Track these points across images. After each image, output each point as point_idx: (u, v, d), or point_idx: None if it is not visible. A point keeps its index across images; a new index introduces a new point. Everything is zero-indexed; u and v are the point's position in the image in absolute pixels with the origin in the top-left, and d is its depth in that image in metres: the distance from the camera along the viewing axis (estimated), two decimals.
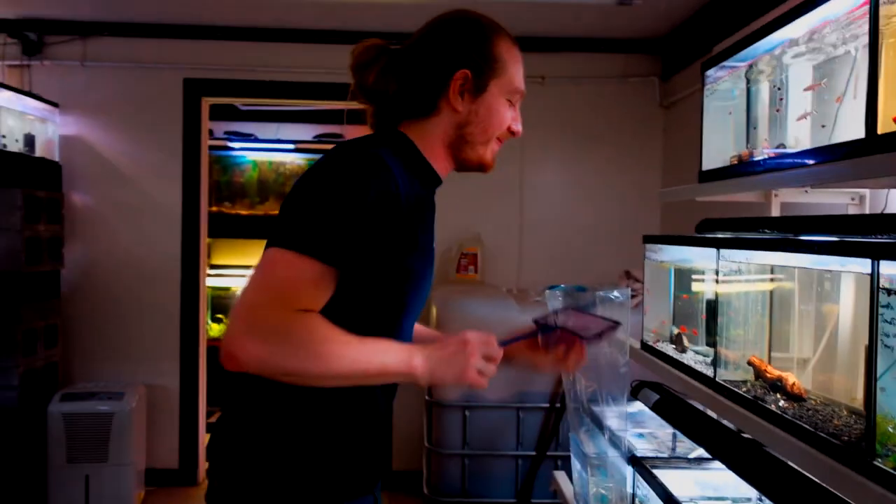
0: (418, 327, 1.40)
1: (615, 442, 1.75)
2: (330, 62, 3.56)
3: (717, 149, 1.81)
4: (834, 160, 1.23)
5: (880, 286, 0.93)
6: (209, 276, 4.46)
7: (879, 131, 1.09)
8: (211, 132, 4.57)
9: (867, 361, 0.96)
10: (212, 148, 4.91)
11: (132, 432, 3.58)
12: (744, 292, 1.44)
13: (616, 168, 3.95)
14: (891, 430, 0.92)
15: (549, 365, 1.32)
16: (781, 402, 1.23)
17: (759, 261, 1.35)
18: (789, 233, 1.39)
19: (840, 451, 1.01)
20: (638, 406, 2.04)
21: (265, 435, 1.17)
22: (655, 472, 1.55)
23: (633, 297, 2.29)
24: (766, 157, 1.54)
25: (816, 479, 1.11)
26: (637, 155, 3.94)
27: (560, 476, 2.32)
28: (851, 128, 1.22)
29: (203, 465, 4.08)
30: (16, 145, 3.50)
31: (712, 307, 1.48)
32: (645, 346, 1.88)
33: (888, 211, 1.62)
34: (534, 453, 2.93)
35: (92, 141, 3.88)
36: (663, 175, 3.92)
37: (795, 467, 1.19)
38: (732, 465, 1.33)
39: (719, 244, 1.44)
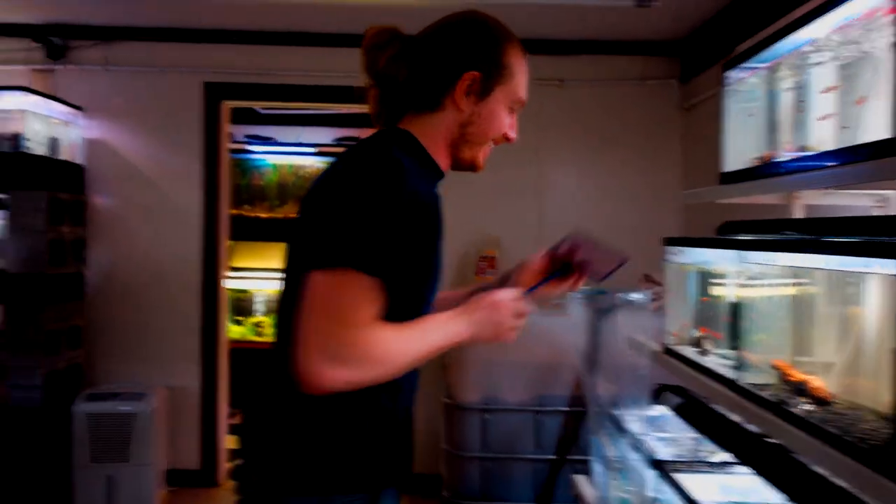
0: (444, 293, 1.42)
1: (636, 445, 1.74)
2: (350, 66, 3.55)
3: (739, 151, 1.80)
4: (858, 161, 1.21)
5: None
6: (229, 278, 4.49)
7: None
8: (231, 136, 4.60)
9: (894, 364, 0.95)
10: (232, 151, 4.95)
11: (154, 433, 3.62)
12: (767, 295, 1.42)
13: (635, 171, 3.93)
14: None
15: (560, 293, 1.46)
16: (806, 406, 1.22)
17: (782, 263, 1.34)
18: (813, 234, 1.38)
19: (867, 455, 1.00)
20: (659, 410, 2.02)
21: (303, 432, 1.19)
22: (678, 476, 1.54)
23: (653, 300, 2.28)
24: (788, 158, 1.53)
25: (843, 484, 1.10)
26: (656, 158, 3.92)
27: (581, 480, 2.31)
28: (875, 128, 1.21)
29: (224, 465, 4.11)
30: (41, 148, 3.55)
31: (735, 310, 1.47)
32: (666, 350, 1.87)
33: None
34: (553, 457, 2.92)
35: (115, 144, 3.93)
36: (683, 178, 3.89)
37: (821, 471, 1.18)
38: (758, 470, 1.31)
39: (742, 246, 1.42)
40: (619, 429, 1.85)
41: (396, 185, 1.12)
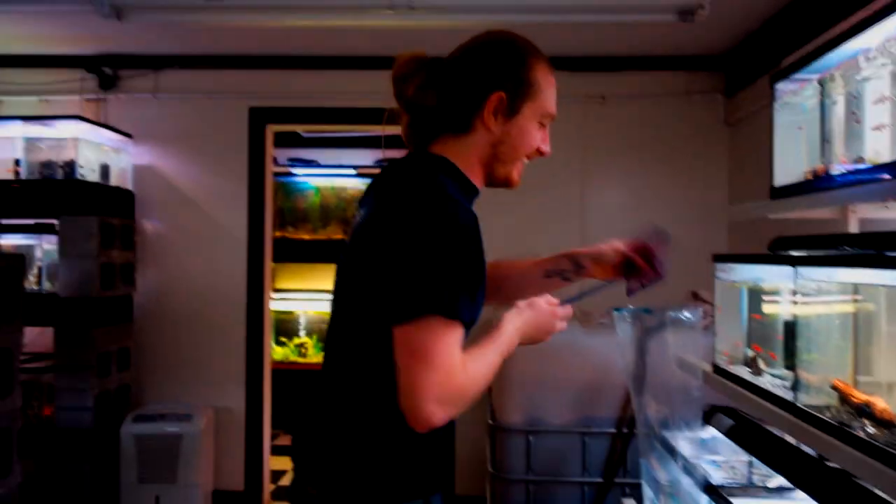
0: (512, 262, 1.57)
1: (688, 469, 1.69)
2: (390, 88, 3.61)
3: (789, 164, 1.75)
4: None
5: None
6: (273, 299, 4.54)
7: None
8: (275, 159, 4.68)
9: None
10: (275, 174, 5.03)
11: (200, 454, 3.65)
12: (825, 312, 1.37)
13: (679, 187, 3.87)
14: None
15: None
16: (870, 429, 1.17)
17: (842, 279, 1.29)
18: (871, 249, 1.33)
19: None
20: (710, 432, 1.96)
21: (358, 449, 1.25)
22: (733, 500, 1.48)
23: (701, 317, 2.22)
24: (842, 171, 1.48)
25: None
26: (701, 173, 3.86)
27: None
28: None
29: (268, 487, 4.13)
30: (92, 175, 3.66)
31: (791, 328, 1.42)
32: (717, 369, 1.81)
33: None
34: (600, 480, 2.86)
35: (163, 170, 4.03)
36: (729, 193, 3.82)
37: (887, 497, 1.12)
38: (818, 496, 1.26)
39: (797, 262, 1.38)
40: (670, 451, 1.80)
41: (453, 223, 1.16)
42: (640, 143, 3.90)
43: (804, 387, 1.37)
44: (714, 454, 1.95)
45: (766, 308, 1.66)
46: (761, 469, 1.74)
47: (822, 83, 1.58)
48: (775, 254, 1.65)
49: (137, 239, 3.97)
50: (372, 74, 3.84)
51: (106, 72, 3.98)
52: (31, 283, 3.61)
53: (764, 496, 1.54)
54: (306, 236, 5.92)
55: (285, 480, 4.56)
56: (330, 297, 1.36)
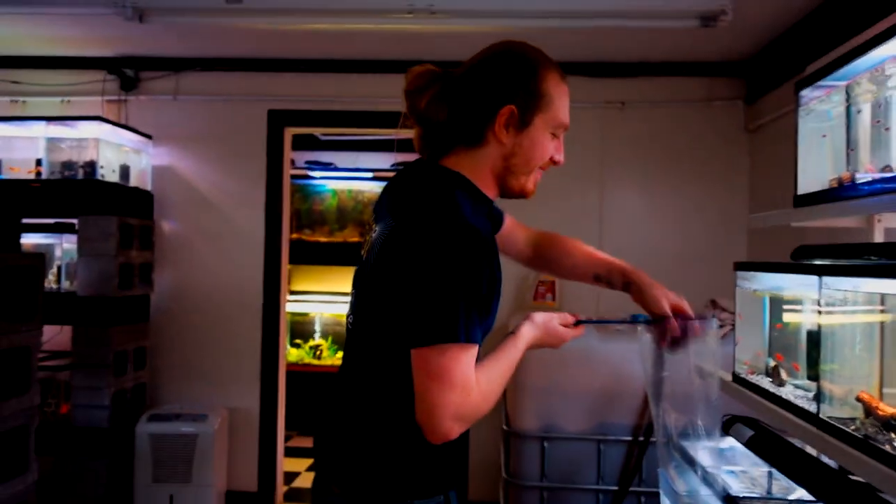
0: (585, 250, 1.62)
1: (708, 479, 1.67)
2: (404, 100, 3.61)
3: (813, 172, 1.73)
4: None
5: None
6: (288, 301, 4.56)
7: None
8: (292, 162, 4.70)
9: None
10: (293, 177, 5.05)
11: (215, 454, 3.66)
12: (850, 322, 1.35)
13: (699, 194, 3.84)
14: None
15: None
16: None
17: (867, 289, 1.27)
18: None
19: None
20: (728, 442, 1.94)
21: (380, 450, 1.30)
22: None
23: (720, 326, 2.20)
24: (868, 179, 1.45)
25: None
26: (721, 181, 3.82)
27: None
28: None
29: (281, 488, 4.13)
30: (112, 175, 3.69)
31: (814, 338, 1.40)
32: (737, 379, 1.79)
33: None
34: (615, 488, 2.84)
35: (182, 171, 4.05)
36: (750, 201, 3.78)
37: None
38: None
39: (823, 271, 1.36)
40: (688, 461, 1.78)
41: (468, 249, 1.19)
42: (659, 150, 3.87)
43: (828, 398, 1.35)
44: (733, 465, 1.93)
45: (789, 317, 1.64)
46: (781, 481, 1.72)
47: (848, 90, 1.56)
48: (800, 262, 1.63)
49: (155, 239, 3.99)
50: (390, 78, 3.83)
51: (127, 73, 4.01)
52: (50, 281, 3.64)
53: None
54: (322, 239, 5.94)
55: (298, 482, 4.57)
56: (350, 302, 1.39)
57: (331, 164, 5.89)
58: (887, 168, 1.41)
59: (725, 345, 1.90)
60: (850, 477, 1.33)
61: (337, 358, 5.77)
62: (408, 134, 1.43)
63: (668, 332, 1.46)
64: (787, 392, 1.54)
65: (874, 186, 1.42)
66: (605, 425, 2.90)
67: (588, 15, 2.99)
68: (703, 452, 1.79)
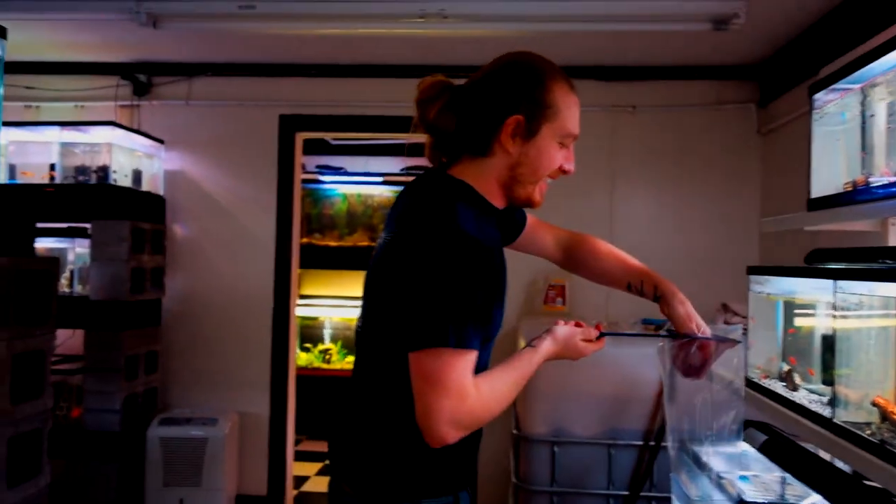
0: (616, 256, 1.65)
1: (721, 485, 1.66)
2: (415, 110, 3.62)
3: (826, 176, 1.72)
4: None
5: None
6: (298, 305, 4.57)
7: None
8: (303, 166, 4.72)
9: None
10: (303, 181, 5.06)
11: (225, 458, 3.67)
12: (865, 327, 1.34)
13: (711, 198, 3.82)
14: None
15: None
16: None
17: (882, 293, 1.26)
18: None
19: None
20: (742, 447, 1.93)
21: (392, 451, 1.33)
22: None
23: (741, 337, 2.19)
24: (884, 182, 1.44)
25: None
26: (733, 184, 3.81)
27: None
28: None
29: (290, 493, 4.13)
30: (125, 180, 3.71)
31: (829, 343, 1.39)
32: (750, 384, 1.78)
33: None
34: (626, 493, 2.82)
35: (193, 175, 4.07)
36: (762, 205, 3.76)
37: None
38: None
39: (838, 275, 1.35)
40: (701, 466, 1.77)
41: (464, 258, 1.20)
42: (670, 153, 3.86)
43: (842, 403, 1.34)
44: (746, 470, 1.91)
45: (803, 322, 1.63)
46: (794, 486, 1.70)
47: (863, 93, 1.55)
48: (815, 266, 1.62)
49: (167, 243, 4.02)
50: (401, 83, 3.84)
51: (140, 79, 4.04)
52: (62, 286, 3.66)
53: None
54: (333, 243, 5.95)
55: (308, 486, 4.57)
56: (360, 306, 1.41)
57: (341, 168, 5.91)
58: None
59: (739, 349, 1.89)
60: (866, 482, 1.32)
61: (346, 362, 5.77)
62: (419, 138, 1.45)
63: (688, 356, 1.48)
64: (800, 397, 1.53)
65: (889, 190, 1.41)
66: (616, 430, 2.88)
67: (599, 19, 2.99)
68: (715, 457, 1.78)
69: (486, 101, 1.33)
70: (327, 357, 5.83)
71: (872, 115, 1.52)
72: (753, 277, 1.80)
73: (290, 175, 4.07)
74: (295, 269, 4.15)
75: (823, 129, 1.75)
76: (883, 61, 1.44)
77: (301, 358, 5.71)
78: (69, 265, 3.73)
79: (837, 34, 2.82)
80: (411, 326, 1.22)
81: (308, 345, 5.94)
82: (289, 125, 4.06)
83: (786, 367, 1.65)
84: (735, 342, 1.51)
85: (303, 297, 5.82)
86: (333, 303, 5.95)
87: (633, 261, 1.62)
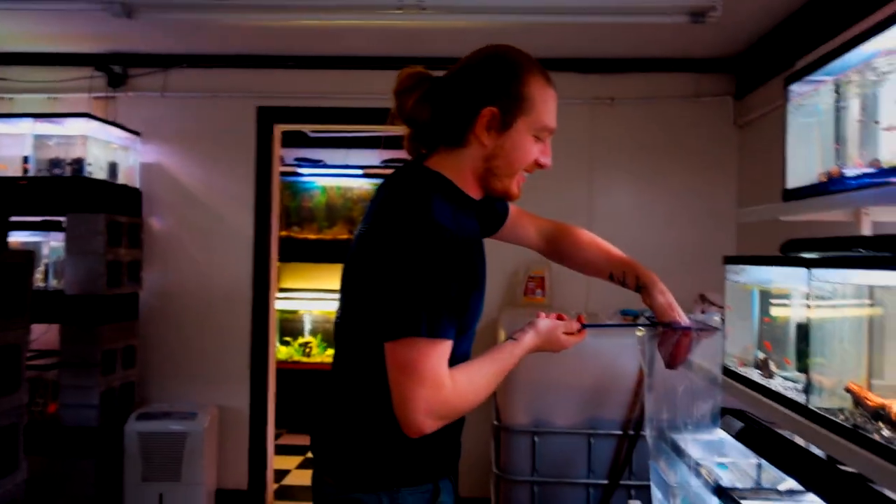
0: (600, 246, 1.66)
1: (698, 471, 1.68)
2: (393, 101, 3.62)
3: (802, 167, 1.74)
4: None
5: None
6: (277, 299, 4.54)
7: None
8: (281, 159, 4.68)
9: None
10: (282, 174, 5.03)
11: (204, 453, 3.65)
12: (838, 315, 1.37)
13: (688, 189, 3.86)
14: None
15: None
16: (885, 432, 1.16)
17: (855, 281, 1.28)
18: (886, 252, 1.32)
19: None
20: (718, 434, 1.95)
21: (373, 441, 1.34)
22: (743, 503, 1.48)
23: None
24: (857, 173, 1.47)
25: None
26: (710, 176, 3.85)
27: None
28: None
29: (271, 486, 4.12)
30: (100, 173, 3.66)
31: (803, 331, 1.41)
32: (727, 372, 1.81)
33: None
34: (606, 481, 2.85)
35: (170, 168, 4.03)
36: (739, 196, 3.81)
37: None
38: (832, 500, 1.25)
39: (812, 264, 1.37)
40: (679, 454, 1.80)
41: (437, 249, 1.21)
42: (649, 145, 3.89)
43: (817, 389, 1.36)
44: (723, 456, 1.94)
45: (778, 310, 1.65)
46: (770, 472, 1.73)
47: (837, 85, 1.57)
48: (789, 255, 1.64)
49: (144, 237, 3.97)
50: (380, 74, 3.84)
51: (115, 70, 3.99)
52: (37, 280, 3.61)
53: (775, 499, 1.53)
54: (312, 236, 5.93)
55: (289, 479, 4.56)
56: (338, 298, 1.42)
57: (320, 161, 5.88)
58: (875, 162, 1.42)
59: (715, 338, 1.91)
60: (839, 466, 1.35)
61: (326, 355, 5.76)
62: (396, 131, 1.45)
63: (669, 345, 1.50)
64: (776, 384, 1.56)
65: (862, 181, 1.43)
66: (596, 420, 2.91)
67: (577, 11, 3.01)
68: (693, 445, 1.80)
69: (461, 92, 1.33)
70: (307, 350, 5.82)
71: (845, 108, 1.54)
72: (730, 267, 1.82)
73: (268, 167, 4.04)
74: (274, 263, 4.13)
75: (799, 120, 1.77)
76: (855, 54, 1.46)
77: (281, 351, 5.68)
78: (44, 259, 3.68)
79: (812, 27, 2.85)
80: (386, 317, 1.23)
81: (288, 338, 5.92)
82: (267, 117, 4.03)
83: (761, 356, 1.67)
84: (714, 329, 1.54)
85: (282, 290, 5.79)
86: (313, 296, 5.93)
87: (616, 251, 1.64)
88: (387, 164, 5.70)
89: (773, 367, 1.63)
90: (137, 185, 3.98)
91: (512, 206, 1.66)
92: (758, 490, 1.58)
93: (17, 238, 3.60)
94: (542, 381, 2.93)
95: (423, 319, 1.19)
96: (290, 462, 4.84)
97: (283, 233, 5.70)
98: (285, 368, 5.19)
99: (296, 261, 5.82)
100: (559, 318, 1.46)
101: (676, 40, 3.51)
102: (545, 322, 1.43)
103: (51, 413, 3.60)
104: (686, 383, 1.77)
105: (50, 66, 3.99)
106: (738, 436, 1.76)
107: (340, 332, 1.40)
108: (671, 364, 1.55)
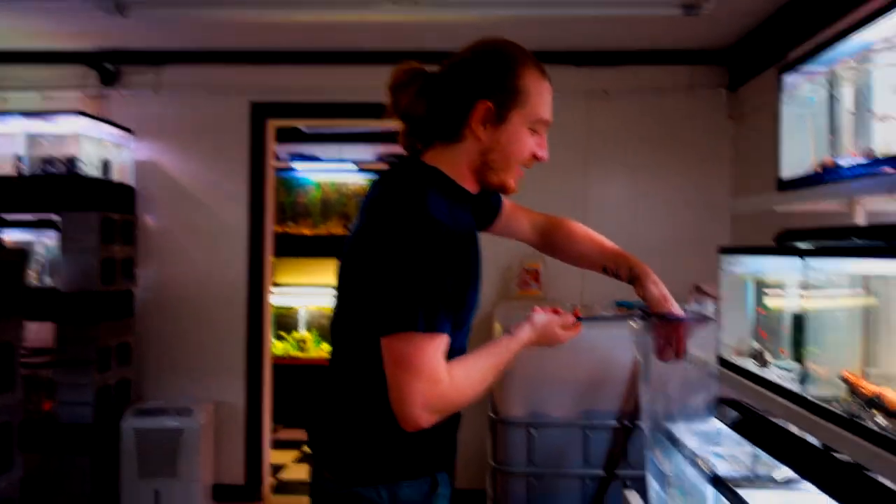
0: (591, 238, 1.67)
1: (695, 461, 1.69)
2: (388, 97, 3.60)
3: (796, 157, 1.75)
4: None
5: None
6: (273, 294, 4.54)
7: None
8: (275, 154, 4.67)
9: None
10: (276, 170, 5.02)
11: (201, 448, 3.65)
12: (833, 304, 1.37)
13: (683, 181, 3.87)
14: None
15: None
16: (880, 420, 1.17)
17: (850, 271, 1.29)
18: (880, 241, 1.33)
19: None
20: (714, 425, 1.96)
21: (370, 434, 1.34)
22: (740, 492, 1.48)
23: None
24: (851, 163, 1.48)
25: None
26: (705, 167, 3.86)
27: (632, 496, 2.25)
28: None
29: (268, 481, 4.13)
30: (94, 170, 3.65)
31: (799, 320, 1.42)
32: (722, 362, 1.81)
33: None
34: (602, 473, 2.86)
35: (164, 165, 4.02)
36: (732, 187, 3.82)
37: None
38: (828, 488, 1.26)
39: (807, 253, 1.38)
40: (675, 444, 1.80)
41: (432, 243, 1.21)
42: (643, 137, 3.90)
43: (812, 378, 1.37)
44: (718, 446, 1.95)
45: (773, 300, 1.66)
46: (765, 461, 1.74)
47: (830, 75, 1.58)
48: (784, 245, 1.65)
49: (138, 234, 3.96)
50: (373, 69, 3.79)
51: (107, 67, 3.97)
52: (32, 278, 3.60)
53: (772, 487, 1.54)
54: (307, 231, 5.92)
55: (285, 474, 4.57)
56: (333, 294, 1.42)
57: (314, 156, 5.86)
58: (869, 152, 1.43)
59: (710, 329, 1.92)
60: (835, 454, 1.35)
61: (322, 350, 5.76)
62: (392, 125, 1.45)
63: (663, 336, 1.51)
64: (771, 374, 1.56)
65: (856, 170, 1.44)
66: (591, 411, 2.92)
67: (570, 3, 3.01)
68: (689, 435, 1.81)
69: (456, 87, 1.33)
70: (303, 346, 5.81)
71: (844, 96, 1.55)
72: (725, 258, 1.82)
73: (262, 163, 4.03)
74: (269, 258, 4.13)
75: (792, 111, 1.78)
76: (848, 44, 1.47)
77: (276, 347, 5.68)
78: (38, 257, 3.66)
79: (805, 18, 2.86)
80: (383, 312, 1.22)
81: (283, 333, 5.92)
82: (260, 113, 4.02)
83: (757, 345, 1.68)
84: (708, 319, 1.54)
85: (277, 285, 5.78)
86: (308, 291, 5.92)
87: (609, 243, 1.64)
88: (381, 158, 5.69)
89: (768, 356, 1.64)
90: (131, 183, 3.97)
91: (505, 200, 1.66)
92: (754, 479, 1.59)
93: (11, 236, 3.58)
94: (538, 373, 2.94)
95: (419, 314, 1.19)
96: (286, 457, 4.84)
97: (278, 228, 5.68)
98: (281, 364, 5.18)
99: (291, 256, 5.81)
100: (555, 312, 1.47)
101: (670, 32, 3.52)
102: (541, 316, 1.43)
103: (46, 411, 3.59)
104: (681, 374, 1.78)
105: (42, 63, 3.97)
106: (734, 425, 1.77)
107: (336, 328, 1.40)
108: (664, 356, 1.55)
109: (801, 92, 1.73)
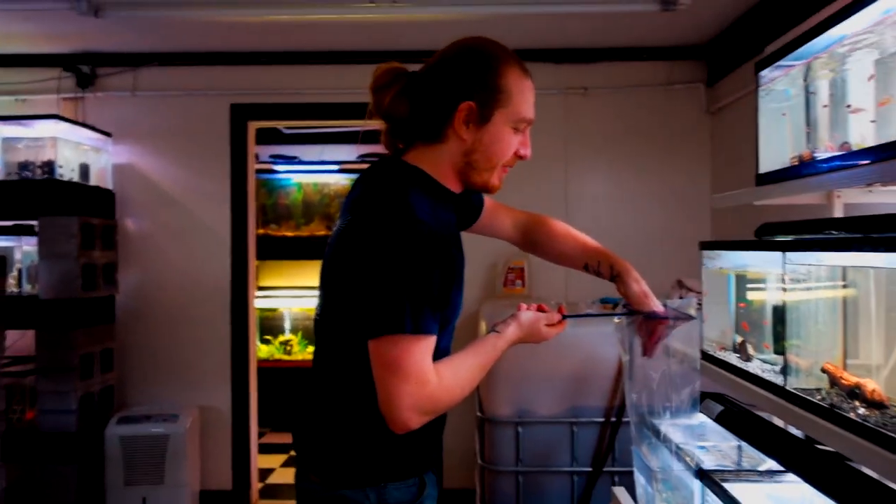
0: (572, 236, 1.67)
1: (680, 455, 1.70)
2: (370, 98, 3.60)
3: (774, 151, 1.76)
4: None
5: None
6: (257, 297, 4.52)
7: None
8: (256, 156, 4.65)
9: None
10: (257, 171, 4.99)
11: (187, 454, 3.62)
12: (811, 297, 1.39)
13: (663, 177, 3.90)
14: None
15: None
16: (861, 410, 1.18)
17: (829, 263, 1.30)
18: (857, 233, 1.34)
19: None
20: (699, 418, 1.98)
21: (356, 437, 1.33)
22: (726, 485, 1.49)
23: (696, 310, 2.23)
24: (828, 156, 1.49)
25: None
26: (684, 162, 3.89)
27: (620, 492, 2.26)
28: None
29: (256, 486, 4.10)
30: (72, 175, 3.61)
31: (780, 313, 1.43)
32: (706, 356, 1.83)
33: None
34: (589, 469, 2.88)
35: (143, 168, 3.98)
36: (711, 182, 3.85)
37: (880, 478, 1.13)
38: (812, 478, 1.27)
39: (786, 247, 1.39)
40: (660, 439, 1.81)
41: (417, 245, 1.20)
42: (622, 134, 3.91)
43: (794, 371, 1.38)
44: (704, 440, 1.97)
45: (754, 294, 1.67)
46: (750, 453, 1.76)
47: (806, 69, 1.59)
48: (763, 239, 1.66)
49: (119, 239, 3.92)
50: (354, 69, 3.82)
51: (83, 70, 3.92)
52: (10, 285, 3.55)
53: (756, 479, 1.55)
54: (289, 233, 5.89)
55: (273, 478, 4.54)
56: (317, 295, 1.41)
57: (295, 157, 5.84)
58: (845, 145, 1.44)
59: (694, 323, 1.93)
60: (818, 446, 1.37)
61: (308, 353, 5.74)
62: (373, 125, 1.44)
63: (646, 332, 1.53)
64: (754, 367, 1.58)
65: (833, 163, 1.45)
66: (578, 408, 2.93)
67: (549, 1, 3.01)
68: (674, 429, 1.82)
69: (438, 87, 1.32)
70: (288, 348, 5.79)
71: (820, 89, 1.56)
72: (706, 252, 1.84)
73: (243, 165, 4.00)
74: (252, 261, 4.10)
75: (770, 105, 1.79)
76: (823, 38, 1.48)
77: (262, 350, 5.65)
78: (17, 264, 3.62)
79: (781, 12, 2.88)
80: (369, 314, 1.22)
81: (268, 337, 5.89)
82: (240, 114, 3.99)
83: (739, 339, 1.70)
84: (690, 317, 1.55)
85: (261, 288, 5.75)
86: (292, 293, 5.90)
87: (590, 241, 1.64)
88: (363, 158, 5.68)
89: (750, 349, 1.65)
90: (110, 187, 3.93)
91: (487, 199, 1.66)
92: (739, 471, 1.60)
93: None
94: (525, 371, 2.94)
95: (406, 316, 1.19)
96: (274, 461, 4.82)
97: (261, 231, 5.66)
98: (267, 367, 5.16)
99: (274, 258, 5.79)
100: (540, 309, 1.47)
101: (647, 28, 3.54)
102: (527, 314, 1.43)
103: (29, 420, 3.55)
104: (665, 369, 1.78)
105: (16, 67, 3.91)
106: (718, 419, 1.78)
107: (321, 329, 1.39)
108: (646, 351, 1.56)
109: (778, 86, 1.74)
